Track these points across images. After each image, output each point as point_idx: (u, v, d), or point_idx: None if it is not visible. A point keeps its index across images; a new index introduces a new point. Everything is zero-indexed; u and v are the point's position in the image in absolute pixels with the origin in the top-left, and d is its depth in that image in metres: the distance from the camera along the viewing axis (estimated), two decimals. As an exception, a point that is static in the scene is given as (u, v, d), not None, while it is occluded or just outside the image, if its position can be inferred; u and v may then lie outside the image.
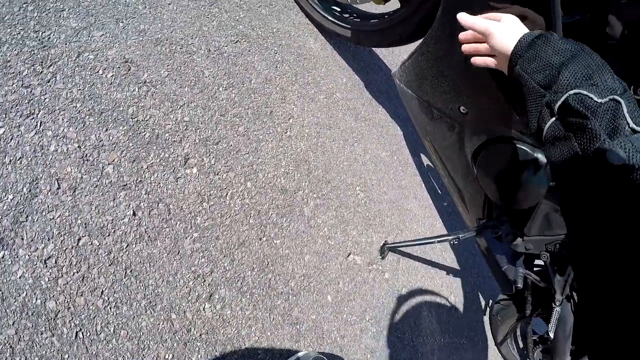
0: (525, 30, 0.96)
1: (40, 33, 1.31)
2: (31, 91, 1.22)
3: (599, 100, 0.68)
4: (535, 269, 1.75)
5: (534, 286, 1.70)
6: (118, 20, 1.48)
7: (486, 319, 2.48)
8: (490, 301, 2.55)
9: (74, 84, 1.30)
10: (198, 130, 1.47)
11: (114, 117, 1.33)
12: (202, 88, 1.55)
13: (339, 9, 2.14)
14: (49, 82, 1.26)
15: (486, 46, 1.04)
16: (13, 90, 1.19)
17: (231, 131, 1.56)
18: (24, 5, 1.31)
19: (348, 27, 2.03)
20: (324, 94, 2.03)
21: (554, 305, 1.58)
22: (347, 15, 2.11)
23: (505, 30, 0.97)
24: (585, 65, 0.77)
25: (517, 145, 1.36)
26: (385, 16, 1.92)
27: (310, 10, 2.15)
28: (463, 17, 1.08)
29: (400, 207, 2.14)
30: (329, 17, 2.09)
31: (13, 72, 1.21)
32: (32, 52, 1.27)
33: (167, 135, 1.40)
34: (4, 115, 1.15)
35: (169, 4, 1.64)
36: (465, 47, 1.13)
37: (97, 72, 1.36)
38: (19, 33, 1.27)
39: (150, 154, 1.35)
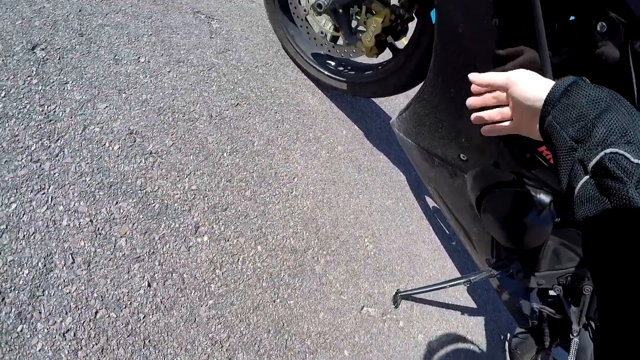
0: (546, 80, 0.89)
1: (46, 106, 1.36)
2: (40, 166, 1.25)
3: (635, 161, 0.63)
4: (549, 299, 1.75)
5: (550, 318, 1.70)
6: (120, 91, 1.53)
7: (506, 353, 2.46)
8: (509, 335, 2.53)
9: (81, 157, 1.33)
10: (206, 198, 1.50)
11: (123, 189, 1.36)
12: (207, 155, 1.59)
13: (333, 63, 2.20)
14: (57, 156, 1.30)
15: (502, 111, 0.98)
16: (23, 165, 1.23)
17: (238, 196, 1.59)
18: (28, 79, 1.37)
19: (343, 80, 2.08)
20: (326, 149, 2.07)
21: (571, 336, 1.57)
22: (341, 69, 2.17)
23: (529, 78, 0.91)
24: (620, 118, 0.72)
25: (519, 189, 1.39)
26: (379, 67, 1.98)
27: (306, 65, 2.21)
28: (476, 77, 1.01)
29: (409, 253, 2.15)
30: (325, 72, 2.15)
31: (22, 147, 1.25)
32: (39, 126, 1.32)
33: (176, 205, 1.43)
34: (15, 191, 1.18)
35: (169, 71, 1.70)
36: (478, 115, 1.04)
37: (104, 144, 1.40)
38: (25, 107, 1.32)
39: (161, 225, 1.37)
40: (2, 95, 1.31)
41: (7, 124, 1.27)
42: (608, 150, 0.67)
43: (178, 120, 1.60)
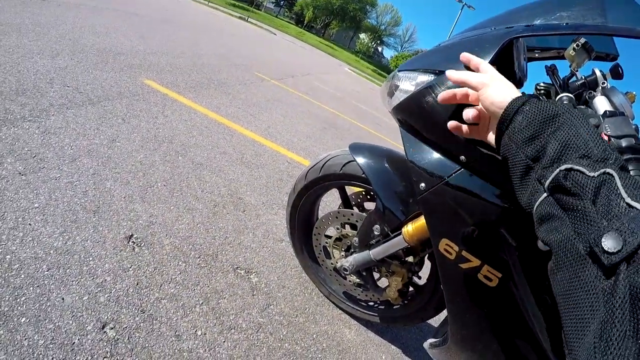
0: (515, 91, 0.92)
1: None
2: None
3: (591, 174, 0.64)
4: None
5: None
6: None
7: None
8: None
9: None
10: None
11: None
12: None
13: (363, 300, 2.43)
14: None
15: (471, 111, 1.00)
16: None
17: None
18: (105, 361, 1.52)
19: (376, 315, 2.31)
20: (370, 385, 2.20)
21: None
22: (372, 304, 2.40)
23: (501, 83, 0.93)
24: (574, 133, 0.73)
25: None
26: (405, 302, 2.20)
27: (340, 303, 2.46)
28: (452, 73, 1.02)
29: None
30: (357, 308, 2.39)
31: None
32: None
33: None
34: None
35: (224, 341, 1.85)
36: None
37: None
38: None
39: None
40: (88, 379, 1.43)
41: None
42: (563, 167, 0.69)
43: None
